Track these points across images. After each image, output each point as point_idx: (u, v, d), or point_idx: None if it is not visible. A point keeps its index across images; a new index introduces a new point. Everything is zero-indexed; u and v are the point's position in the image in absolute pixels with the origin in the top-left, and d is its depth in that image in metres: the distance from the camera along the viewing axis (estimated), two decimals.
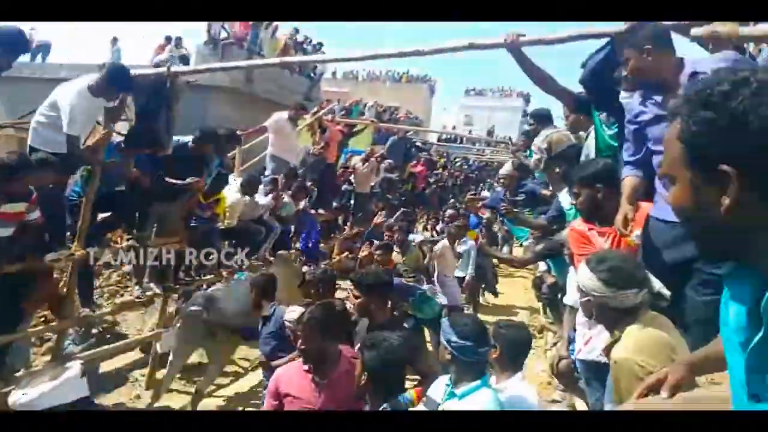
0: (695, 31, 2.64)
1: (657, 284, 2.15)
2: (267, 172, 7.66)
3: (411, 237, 7.60)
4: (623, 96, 3.06)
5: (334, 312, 3.05)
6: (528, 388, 2.73)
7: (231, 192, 6.13)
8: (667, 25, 2.55)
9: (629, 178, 2.69)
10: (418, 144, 15.85)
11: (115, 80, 4.37)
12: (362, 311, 3.37)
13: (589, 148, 3.63)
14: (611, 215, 2.67)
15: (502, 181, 7.59)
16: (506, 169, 7.35)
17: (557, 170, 4.36)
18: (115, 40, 16.02)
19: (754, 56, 4.01)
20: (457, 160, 20.11)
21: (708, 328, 2.31)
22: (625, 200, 2.61)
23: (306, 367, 2.88)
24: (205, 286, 5.94)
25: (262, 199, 6.59)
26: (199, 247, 5.44)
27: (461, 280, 7.17)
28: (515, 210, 5.44)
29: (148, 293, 5.35)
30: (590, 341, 2.67)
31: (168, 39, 13.61)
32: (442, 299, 6.52)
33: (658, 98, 2.58)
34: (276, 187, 6.81)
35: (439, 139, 19.88)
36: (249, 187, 6.30)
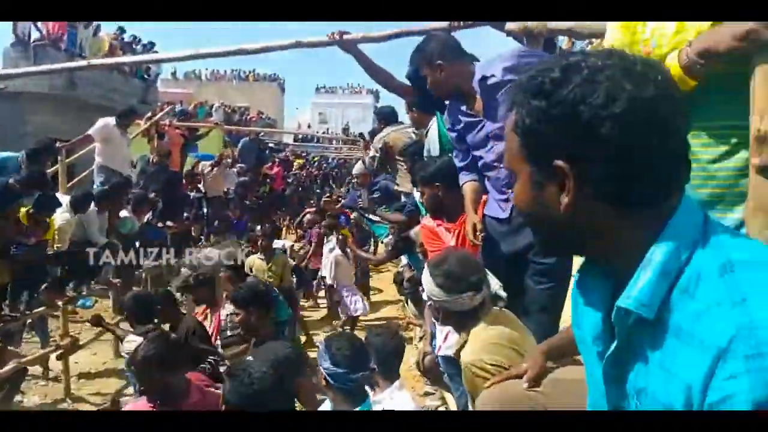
0: (509, 26, 2.73)
1: (495, 284, 2.19)
2: (96, 185, 6.91)
3: (278, 243, 7.32)
4: None
5: (169, 343, 2.85)
6: (404, 397, 2.60)
7: (59, 212, 5.37)
8: (468, 25, 2.71)
9: (468, 184, 2.73)
10: (271, 145, 15.35)
11: None
12: (245, 327, 3.41)
13: (431, 144, 3.63)
14: (455, 212, 2.74)
15: (355, 180, 7.61)
16: (358, 168, 7.27)
17: (404, 168, 4.35)
18: None
19: (566, 51, 4.20)
20: (315, 159, 19.89)
21: (549, 315, 2.47)
22: (470, 209, 2.65)
23: (151, 405, 2.67)
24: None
25: (94, 217, 5.87)
26: (23, 278, 4.82)
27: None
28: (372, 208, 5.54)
29: None
30: (448, 337, 2.65)
31: None
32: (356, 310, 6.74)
33: (461, 106, 2.64)
34: (110, 203, 6.02)
35: (295, 139, 19.51)
36: (78, 206, 5.57)
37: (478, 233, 2.57)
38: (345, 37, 3.12)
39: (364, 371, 2.26)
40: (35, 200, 4.85)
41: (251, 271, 5.97)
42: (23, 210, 4.52)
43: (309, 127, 32.60)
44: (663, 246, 0.74)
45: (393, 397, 2.51)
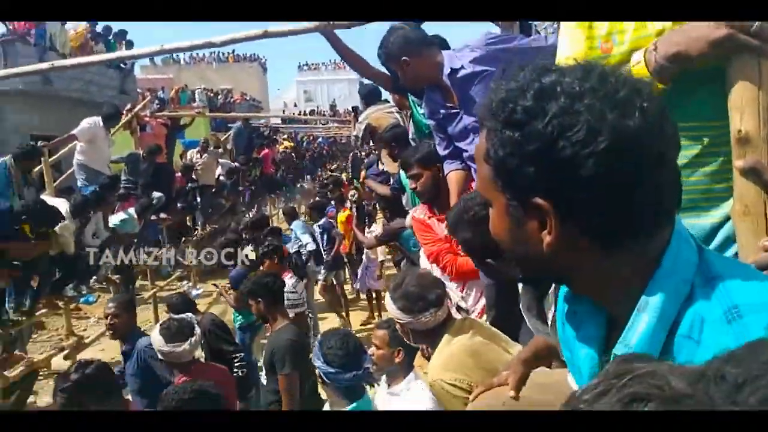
0: None
1: (456, 296, 2.23)
2: (78, 185, 6.88)
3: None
4: None
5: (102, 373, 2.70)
6: (424, 387, 2.49)
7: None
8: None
9: (453, 173, 2.67)
10: (263, 130, 15.04)
11: None
12: (257, 316, 3.65)
13: (413, 130, 3.62)
14: (447, 199, 2.66)
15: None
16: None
17: (386, 152, 4.26)
18: None
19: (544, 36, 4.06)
20: (304, 138, 19.52)
21: (500, 311, 2.37)
22: (456, 197, 2.58)
23: None
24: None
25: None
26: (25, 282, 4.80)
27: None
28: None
29: None
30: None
31: None
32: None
33: (437, 98, 2.60)
34: (104, 205, 6.01)
35: (283, 121, 19.14)
36: (78, 212, 5.41)
37: None
38: (310, 24, 3.02)
39: (356, 371, 2.28)
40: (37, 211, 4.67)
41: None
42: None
43: (295, 106, 32.01)
44: (658, 288, 0.70)
45: (410, 388, 2.46)
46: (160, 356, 3.13)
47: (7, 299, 4.73)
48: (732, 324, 0.66)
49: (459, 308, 2.43)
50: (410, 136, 3.71)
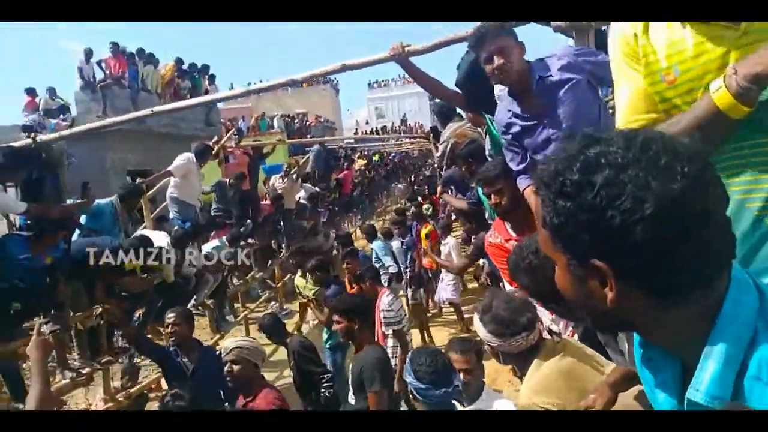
0: (556, 24, 2.71)
1: (547, 319, 2.19)
2: (171, 216, 7.30)
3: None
4: (497, 90, 3.01)
5: None
6: (508, 404, 2.56)
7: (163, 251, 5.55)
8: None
9: (530, 188, 2.59)
10: (342, 150, 15.45)
11: None
12: (346, 335, 3.67)
13: (489, 146, 3.58)
14: (526, 215, 2.60)
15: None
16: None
17: (463, 168, 4.25)
18: None
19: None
20: (376, 155, 19.79)
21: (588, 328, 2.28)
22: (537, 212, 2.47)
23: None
24: None
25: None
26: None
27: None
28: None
29: (86, 371, 4.72)
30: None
31: (29, 92, 12.02)
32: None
33: (516, 109, 2.57)
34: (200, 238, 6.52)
35: (356, 140, 19.52)
36: (179, 244, 5.76)
37: None
38: (394, 51, 3.19)
39: (447, 388, 2.29)
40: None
41: (297, 289, 6.16)
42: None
43: (367, 123, 32.54)
44: (721, 334, 0.73)
45: (492, 405, 2.51)
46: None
47: (116, 331, 5.10)
48: None
49: (551, 332, 2.39)
50: (486, 152, 3.68)
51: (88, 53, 12.50)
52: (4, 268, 3.97)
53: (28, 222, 4.51)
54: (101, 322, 4.89)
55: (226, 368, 3.23)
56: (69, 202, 5.14)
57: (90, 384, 5.15)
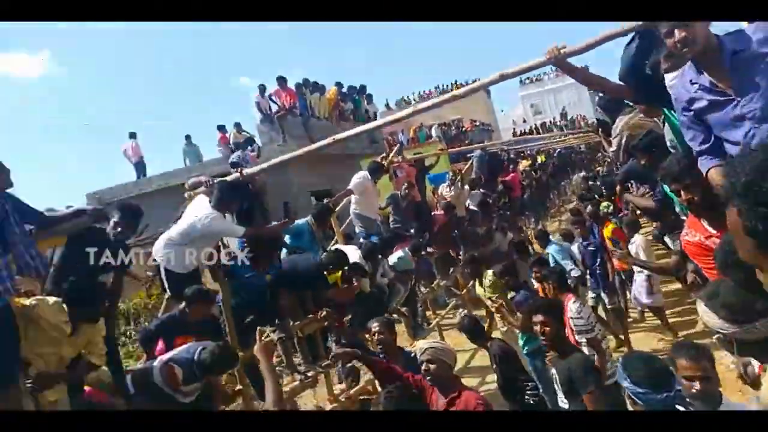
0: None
1: None
2: (356, 231, 7.78)
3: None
4: (669, 79, 2.83)
5: None
6: None
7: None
8: None
9: (714, 170, 2.46)
10: (496, 152, 15.24)
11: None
12: (550, 338, 3.69)
13: (670, 135, 3.37)
14: (719, 210, 2.21)
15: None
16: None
17: (643, 162, 4.02)
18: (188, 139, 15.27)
19: None
20: (541, 154, 19.12)
21: None
22: None
23: None
24: None
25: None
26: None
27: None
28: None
29: (311, 374, 5.20)
30: None
31: (220, 128, 13.63)
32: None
33: (704, 81, 2.39)
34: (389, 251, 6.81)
35: (516, 140, 19.07)
36: (369, 255, 6.18)
37: None
38: (551, 55, 3.11)
39: (668, 392, 2.23)
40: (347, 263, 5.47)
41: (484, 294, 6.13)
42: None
43: (524, 122, 31.67)
44: None
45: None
46: None
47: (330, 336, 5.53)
48: None
49: None
50: (668, 144, 3.46)
51: (262, 89, 13.84)
52: (235, 287, 4.56)
53: (245, 244, 5.08)
54: (319, 329, 5.29)
55: (423, 367, 3.34)
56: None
57: (316, 386, 5.63)
